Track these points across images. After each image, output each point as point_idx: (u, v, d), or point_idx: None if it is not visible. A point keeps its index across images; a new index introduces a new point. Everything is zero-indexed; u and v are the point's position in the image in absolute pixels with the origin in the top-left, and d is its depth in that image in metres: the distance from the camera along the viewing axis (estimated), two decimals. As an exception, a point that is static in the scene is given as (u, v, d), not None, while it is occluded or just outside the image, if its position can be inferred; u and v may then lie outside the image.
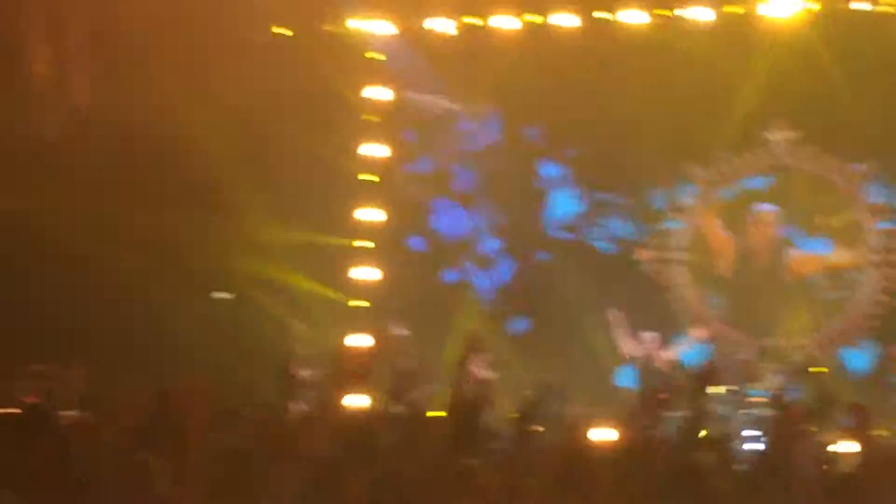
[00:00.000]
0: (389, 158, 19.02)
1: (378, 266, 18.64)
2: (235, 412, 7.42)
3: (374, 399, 14.83)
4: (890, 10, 17.58)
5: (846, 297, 18.52)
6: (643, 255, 19.06)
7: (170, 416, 6.86)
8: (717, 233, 19.00)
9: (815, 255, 18.66)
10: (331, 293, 18.20)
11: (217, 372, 13.44)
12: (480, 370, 17.14)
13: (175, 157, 17.05)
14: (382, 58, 19.11)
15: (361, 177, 18.78)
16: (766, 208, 18.84)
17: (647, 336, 16.59)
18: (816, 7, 17.70)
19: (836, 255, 18.61)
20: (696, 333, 16.58)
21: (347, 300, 18.46)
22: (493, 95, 19.14)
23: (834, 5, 17.73)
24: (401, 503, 5.67)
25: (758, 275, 18.78)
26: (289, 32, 18.31)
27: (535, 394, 16.96)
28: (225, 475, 5.28)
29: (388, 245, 18.83)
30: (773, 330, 18.34)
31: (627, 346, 16.55)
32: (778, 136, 18.84)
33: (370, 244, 18.64)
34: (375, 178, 18.79)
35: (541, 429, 11.38)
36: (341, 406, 5.59)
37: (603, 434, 13.87)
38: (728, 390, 16.81)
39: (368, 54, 18.98)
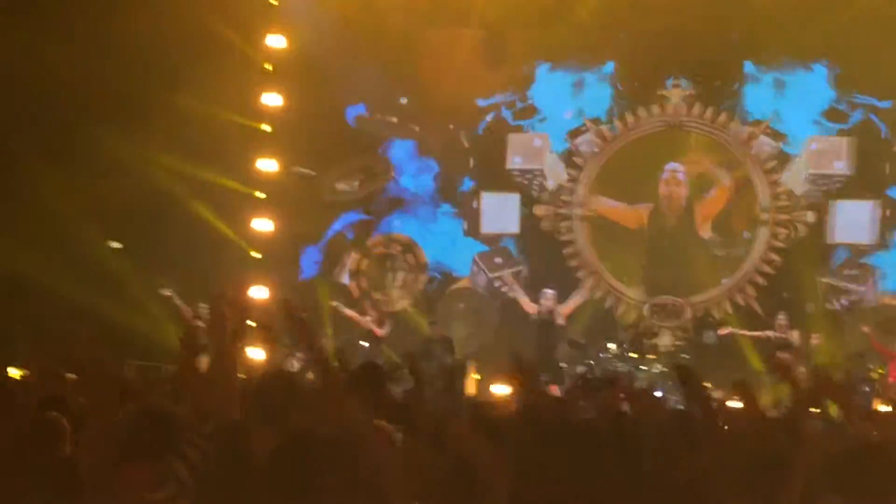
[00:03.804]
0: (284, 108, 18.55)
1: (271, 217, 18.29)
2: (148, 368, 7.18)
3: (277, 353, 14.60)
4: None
5: (739, 254, 18.74)
6: (540, 210, 19.03)
7: (81, 371, 6.63)
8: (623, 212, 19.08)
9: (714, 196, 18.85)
10: (233, 238, 17.81)
11: (112, 325, 13.11)
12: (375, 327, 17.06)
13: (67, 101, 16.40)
14: (275, 2, 18.66)
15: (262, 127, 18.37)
16: (674, 167, 18.92)
17: (547, 293, 16.61)
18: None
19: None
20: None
21: (249, 249, 18.09)
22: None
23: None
24: (312, 462, 5.47)
25: (668, 235, 18.90)
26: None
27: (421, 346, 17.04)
28: (135, 435, 5.05)
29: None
30: (670, 288, 18.52)
31: (526, 302, 16.56)
32: (674, 93, 18.94)
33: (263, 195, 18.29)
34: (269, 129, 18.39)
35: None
36: (244, 361, 5.43)
37: (501, 389, 13.90)
38: (622, 347, 17.00)
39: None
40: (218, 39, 17.60)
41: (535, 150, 19.26)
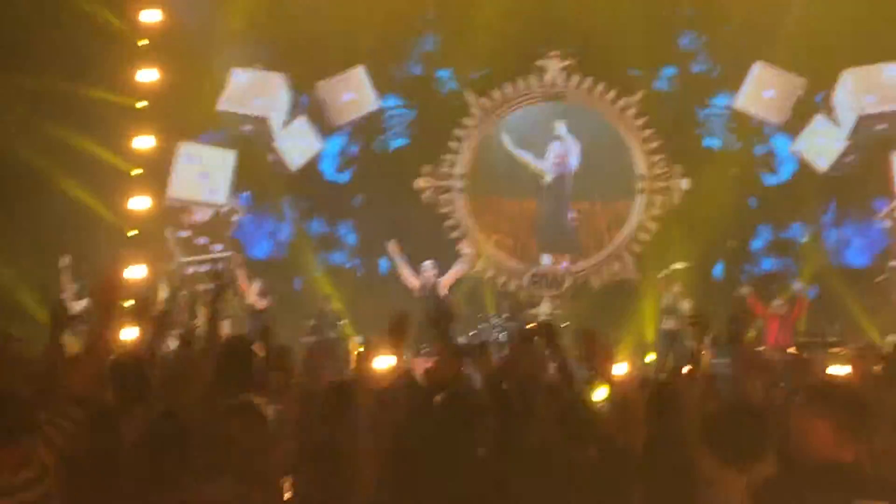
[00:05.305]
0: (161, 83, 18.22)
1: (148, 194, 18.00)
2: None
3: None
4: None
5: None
6: (421, 183, 19.06)
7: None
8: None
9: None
10: (109, 217, 17.48)
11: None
12: (257, 299, 16.85)
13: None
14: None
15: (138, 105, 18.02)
16: (563, 132, 19.07)
17: (427, 265, 16.63)
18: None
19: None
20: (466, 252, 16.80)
21: (126, 229, 17.77)
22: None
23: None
24: (180, 441, 5.46)
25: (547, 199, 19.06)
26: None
27: (313, 321, 16.94)
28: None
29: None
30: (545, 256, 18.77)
31: (407, 275, 16.53)
32: (552, 64, 19.09)
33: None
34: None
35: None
36: (111, 341, 5.32)
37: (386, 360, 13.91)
38: (503, 316, 17.10)
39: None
40: (91, 16, 17.30)
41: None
